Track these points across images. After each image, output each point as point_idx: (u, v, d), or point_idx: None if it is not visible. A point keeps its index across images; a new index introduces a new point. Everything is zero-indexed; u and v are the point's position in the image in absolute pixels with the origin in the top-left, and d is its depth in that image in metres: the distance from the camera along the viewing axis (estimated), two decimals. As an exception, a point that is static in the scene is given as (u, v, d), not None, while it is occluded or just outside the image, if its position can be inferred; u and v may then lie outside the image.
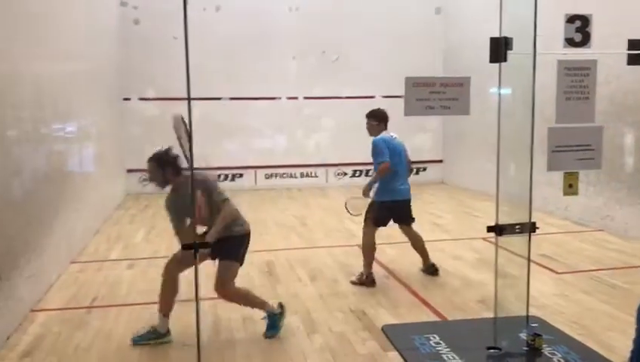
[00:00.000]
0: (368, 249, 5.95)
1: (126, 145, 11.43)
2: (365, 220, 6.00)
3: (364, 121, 6.02)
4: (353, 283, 5.89)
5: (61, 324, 4.93)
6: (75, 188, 7.30)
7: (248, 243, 4.64)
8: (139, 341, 4.50)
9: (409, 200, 6.10)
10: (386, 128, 5.98)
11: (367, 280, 5.85)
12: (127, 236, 8.22)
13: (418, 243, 6.22)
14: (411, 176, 6.34)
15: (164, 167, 4.47)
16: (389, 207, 5.93)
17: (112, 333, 4.74)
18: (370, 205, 5.98)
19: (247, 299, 4.68)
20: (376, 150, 5.86)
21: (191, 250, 3.55)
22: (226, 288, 4.52)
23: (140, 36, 11.65)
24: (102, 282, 6.11)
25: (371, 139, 5.92)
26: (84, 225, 7.67)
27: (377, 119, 5.96)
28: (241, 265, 4.59)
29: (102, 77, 9.78)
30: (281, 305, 4.75)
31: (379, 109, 6.05)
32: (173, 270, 4.62)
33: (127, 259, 6.99)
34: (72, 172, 7.41)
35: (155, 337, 4.53)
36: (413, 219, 6.19)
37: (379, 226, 5.99)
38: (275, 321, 4.61)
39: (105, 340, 4.60)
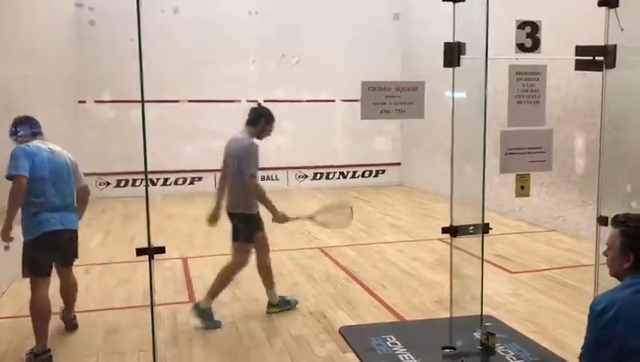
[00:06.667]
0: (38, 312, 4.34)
1: (81, 149, 11.17)
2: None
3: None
4: None
5: (12, 333, 4.80)
6: (27, 192, 7.09)
7: None
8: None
9: (70, 231, 4.65)
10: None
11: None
12: (82, 241, 7.99)
13: (69, 292, 4.88)
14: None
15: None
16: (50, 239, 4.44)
17: (66, 341, 4.64)
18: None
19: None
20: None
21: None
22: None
23: (95, 38, 11.43)
24: (56, 289, 5.93)
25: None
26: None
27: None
28: None
29: (56, 79, 9.56)
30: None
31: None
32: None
33: (83, 265, 6.82)
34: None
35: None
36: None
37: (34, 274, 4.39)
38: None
39: (59, 347, 4.50)
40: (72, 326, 4.88)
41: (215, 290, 4.99)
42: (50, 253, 4.48)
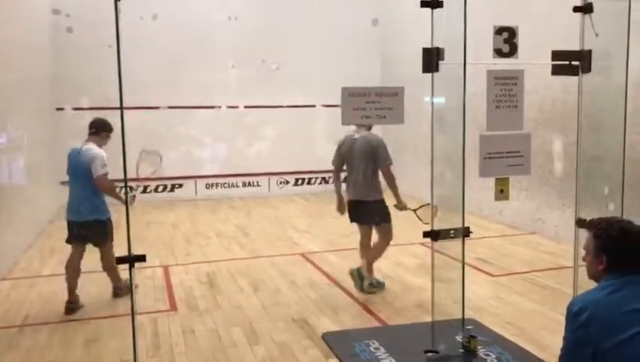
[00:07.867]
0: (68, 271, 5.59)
1: (60, 157, 11.00)
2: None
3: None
4: None
5: (-11, 344, 4.72)
6: (4, 201, 7.01)
7: None
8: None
9: (86, 222, 5.52)
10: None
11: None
12: (61, 250, 7.90)
13: (105, 266, 5.77)
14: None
15: None
16: (70, 226, 5.60)
17: (45, 353, 4.56)
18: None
19: None
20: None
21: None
22: None
23: (73, 45, 11.30)
24: (35, 299, 5.88)
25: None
26: (14, 239, 7.37)
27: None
28: None
29: (33, 86, 9.44)
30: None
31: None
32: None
33: (62, 274, 6.73)
34: (1, 185, 7.12)
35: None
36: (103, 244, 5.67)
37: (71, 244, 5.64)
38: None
39: (39, 358, 4.43)
40: (116, 294, 5.79)
41: (371, 262, 5.86)
42: (73, 234, 5.58)
